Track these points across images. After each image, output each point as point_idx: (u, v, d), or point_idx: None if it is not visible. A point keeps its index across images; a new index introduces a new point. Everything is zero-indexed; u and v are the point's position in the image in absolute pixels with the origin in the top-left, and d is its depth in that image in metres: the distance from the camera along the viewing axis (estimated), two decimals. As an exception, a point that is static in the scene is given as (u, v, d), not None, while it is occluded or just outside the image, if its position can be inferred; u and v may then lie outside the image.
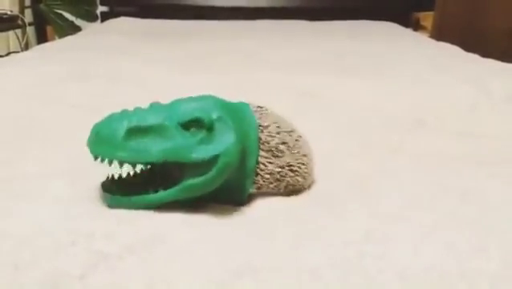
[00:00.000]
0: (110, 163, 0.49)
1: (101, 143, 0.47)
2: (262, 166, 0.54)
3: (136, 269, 0.42)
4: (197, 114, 0.49)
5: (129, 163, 0.49)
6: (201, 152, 0.48)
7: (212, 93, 0.99)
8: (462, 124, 0.88)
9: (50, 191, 0.55)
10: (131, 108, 0.52)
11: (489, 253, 0.43)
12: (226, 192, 0.52)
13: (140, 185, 0.51)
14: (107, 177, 0.53)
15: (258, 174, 0.54)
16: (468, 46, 1.59)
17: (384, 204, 0.54)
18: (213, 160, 0.48)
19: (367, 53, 1.51)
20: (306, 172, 0.57)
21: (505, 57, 1.42)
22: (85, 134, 0.50)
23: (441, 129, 0.86)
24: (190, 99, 0.52)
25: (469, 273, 0.41)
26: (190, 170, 0.49)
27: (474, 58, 1.45)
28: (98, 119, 0.48)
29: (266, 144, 0.54)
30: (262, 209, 0.53)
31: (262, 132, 0.54)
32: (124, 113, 0.49)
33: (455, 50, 1.59)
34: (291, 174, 0.55)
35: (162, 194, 0.50)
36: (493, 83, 1.07)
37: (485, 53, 1.46)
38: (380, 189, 0.58)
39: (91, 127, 0.50)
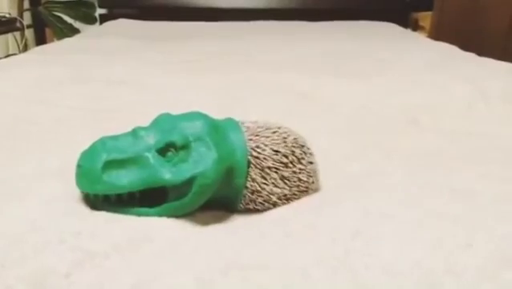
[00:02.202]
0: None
1: (82, 177, 0.50)
2: (256, 188, 0.52)
3: (122, 267, 0.42)
4: (170, 138, 0.49)
5: (105, 195, 0.50)
6: (175, 174, 0.48)
7: (210, 94, 1.01)
8: (457, 124, 0.88)
9: (41, 191, 0.55)
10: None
11: (476, 249, 0.43)
12: (215, 203, 0.52)
13: (123, 201, 0.51)
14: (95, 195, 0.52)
15: (254, 194, 0.52)
16: (466, 46, 1.59)
17: (374, 203, 0.53)
18: (190, 181, 0.48)
19: (365, 53, 1.51)
20: (316, 182, 0.57)
21: (503, 57, 1.41)
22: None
23: (436, 129, 0.86)
24: (176, 117, 0.52)
25: (455, 269, 0.41)
26: (172, 191, 0.49)
27: (472, 57, 1.45)
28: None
29: (263, 163, 0.52)
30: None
31: (259, 152, 0.52)
32: (105, 143, 0.51)
33: (453, 49, 1.59)
34: (299, 192, 0.55)
35: (146, 211, 0.50)
36: (490, 83, 1.07)
37: (483, 52, 1.46)
38: (371, 189, 0.58)
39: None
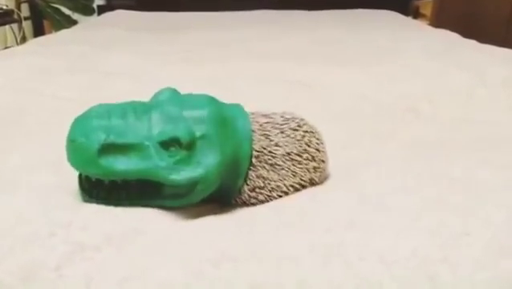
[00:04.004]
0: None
1: (76, 154, 0.47)
2: (260, 184, 0.51)
3: (113, 260, 0.41)
4: (175, 133, 0.46)
5: (100, 179, 0.48)
6: (178, 174, 0.46)
7: (207, 84, 1.00)
8: (456, 112, 0.87)
9: (32, 182, 0.54)
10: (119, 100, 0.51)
11: (473, 238, 0.42)
12: (209, 198, 0.51)
13: (116, 190, 0.49)
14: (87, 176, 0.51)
15: (256, 191, 0.51)
16: (467, 34, 1.57)
17: (370, 191, 0.53)
18: (191, 184, 0.47)
19: (365, 42, 1.49)
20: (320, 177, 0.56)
21: (504, 44, 1.39)
22: None
23: (435, 116, 0.85)
24: (182, 100, 0.49)
25: (452, 258, 0.40)
26: (168, 187, 0.48)
27: (473, 44, 1.43)
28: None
29: (271, 157, 0.51)
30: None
31: (268, 142, 0.51)
32: (102, 117, 0.47)
33: (453, 37, 1.57)
34: (301, 186, 0.54)
35: (136, 203, 0.49)
36: (491, 70, 1.05)
37: (484, 40, 1.44)
38: (368, 177, 0.57)
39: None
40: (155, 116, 0.48)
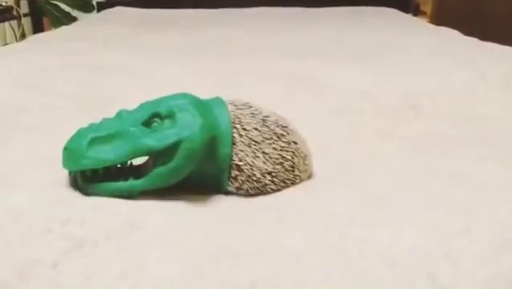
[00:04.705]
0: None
1: (68, 157, 0.50)
2: (243, 162, 0.52)
3: (110, 256, 0.41)
4: (155, 110, 0.50)
5: (93, 169, 0.49)
6: (159, 139, 0.48)
7: (206, 80, 0.99)
8: (457, 108, 0.87)
9: (29, 178, 0.54)
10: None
11: (474, 234, 0.42)
12: (202, 181, 0.52)
13: (112, 174, 0.51)
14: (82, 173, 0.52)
15: (239, 170, 0.52)
16: (468, 32, 1.56)
17: (371, 187, 0.52)
18: (175, 146, 0.48)
19: (365, 39, 1.49)
20: (304, 165, 0.55)
21: (505, 42, 1.39)
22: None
23: (435, 113, 0.84)
24: (161, 98, 0.52)
25: (453, 254, 0.40)
26: (158, 160, 0.49)
27: (473, 42, 1.42)
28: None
29: (245, 137, 0.52)
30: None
31: (242, 126, 0.53)
32: (90, 127, 0.51)
33: (454, 34, 1.56)
34: (284, 170, 0.53)
35: (132, 183, 0.50)
36: (491, 67, 1.05)
37: (485, 38, 1.44)
38: (368, 173, 0.57)
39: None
40: (136, 112, 0.51)
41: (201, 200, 0.50)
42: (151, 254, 0.41)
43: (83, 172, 0.50)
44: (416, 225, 0.43)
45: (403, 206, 0.47)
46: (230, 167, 0.51)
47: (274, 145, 0.53)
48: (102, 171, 0.50)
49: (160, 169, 0.48)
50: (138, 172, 0.52)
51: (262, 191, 0.52)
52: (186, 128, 0.48)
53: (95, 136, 0.49)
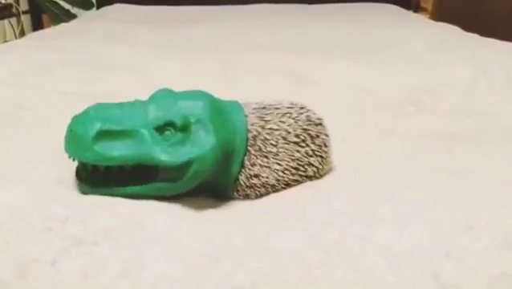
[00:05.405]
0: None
1: (72, 142, 0.48)
2: (255, 172, 0.51)
3: (110, 255, 0.40)
4: (170, 117, 0.47)
5: (93, 164, 0.48)
6: (172, 156, 0.47)
7: (207, 77, 0.99)
8: (458, 105, 0.86)
9: (28, 176, 0.53)
10: (113, 100, 0.51)
11: (477, 231, 0.41)
12: (208, 190, 0.51)
13: (112, 177, 0.49)
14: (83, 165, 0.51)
15: (253, 183, 0.51)
16: (468, 28, 1.55)
17: (372, 185, 0.52)
18: (186, 165, 0.46)
19: (365, 35, 1.48)
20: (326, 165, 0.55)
21: (505, 39, 1.38)
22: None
23: (436, 109, 0.84)
24: (177, 94, 0.50)
25: (455, 252, 0.39)
26: (163, 171, 0.47)
27: (473, 37, 1.42)
28: (86, 105, 0.47)
29: (264, 149, 0.51)
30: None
31: (265, 130, 0.51)
32: (100, 112, 0.48)
33: (454, 30, 1.56)
34: (304, 176, 0.53)
35: (132, 189, 0.48)
36: (492, 63, 1.04)
37: (485, 34, 1.43)
38: (369, 171, 0.56)
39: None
40: (151, 107, 0.49)
41: (201, 199, 0.50)
42: (150, 253, 0.41)
43: (84, 166, 0.49)
44: (418, 223, 0.43)
45: (404, 204, 0.47)
46: (241, 178, 0.51)
47: (305, 148, 0.52)
48: (103, 169, 0.48)
49: (165, 184, 0.48)
50: (139, 176, 0.49)
51: (269, 192, 0.52)
52: (198, 146, 0.46)
53: (103, 128, 0.47)
